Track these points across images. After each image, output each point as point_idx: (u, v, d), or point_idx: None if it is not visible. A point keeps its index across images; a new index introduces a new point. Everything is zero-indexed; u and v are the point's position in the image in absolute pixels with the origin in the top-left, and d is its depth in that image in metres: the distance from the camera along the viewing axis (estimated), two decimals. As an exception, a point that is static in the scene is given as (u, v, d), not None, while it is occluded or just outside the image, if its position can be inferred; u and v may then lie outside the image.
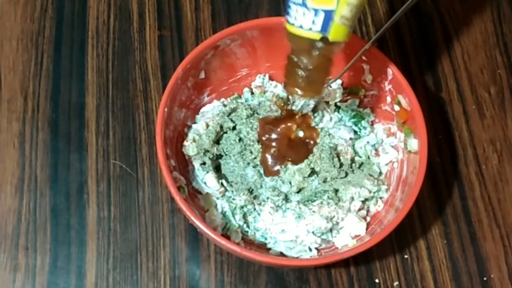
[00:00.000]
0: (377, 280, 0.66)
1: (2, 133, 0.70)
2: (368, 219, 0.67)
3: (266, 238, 0.65)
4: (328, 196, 0.66)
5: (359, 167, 0.68)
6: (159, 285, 0.65)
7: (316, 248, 0.65)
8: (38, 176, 0.69)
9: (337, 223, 0.65)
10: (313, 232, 0.64)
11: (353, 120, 0.71)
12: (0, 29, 0.75)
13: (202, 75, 0.69)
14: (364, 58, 0.69)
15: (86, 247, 0.66)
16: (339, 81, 0.72)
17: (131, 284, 0.65)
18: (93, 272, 0.65)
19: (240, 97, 0.72)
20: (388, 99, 0.69)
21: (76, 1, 0.77)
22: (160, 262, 0.66)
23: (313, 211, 0.64)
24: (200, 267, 0.66)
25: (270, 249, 0.65)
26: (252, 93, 0.72)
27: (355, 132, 0.70)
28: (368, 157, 0.69)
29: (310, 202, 0.65)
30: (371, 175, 0.67)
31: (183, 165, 0.67)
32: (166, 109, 0.64)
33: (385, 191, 0.67)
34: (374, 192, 0.66)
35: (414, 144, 0.66)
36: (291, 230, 0.64)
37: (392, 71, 0.67)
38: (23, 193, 0.68)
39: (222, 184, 0.66)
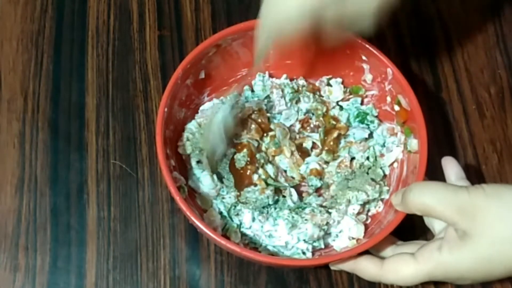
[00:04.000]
0: (377, 280, 0.66)
1: (2, 133, 0.70)
2: (368, 220, 0.67)
3: (255, 243, 0.65)
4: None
5: (367, 172, 0.68)
6: (159, 285, 0.65)
7: (312, 252, 0.64)
8: (38, 176, 0.69)
9: (333, 227, 0.64)
10: (304, 240, 0.63)
11: (357, 119, 0.70)
12: (0, 29, 0.75)
13: (202, 75, 0.69)
14: (364, 58, 0.69)
15: (86, 247, 0.66)
16: (339, 79, 0.72)
17: (131, 284, 0.65)
18: (93, 272, 0.65)
19: (240, 95, 0.72)
20: (388, 99, 0.69)
21: (76, 1, 0.77)
22: (160, 262, 0.66)
23: (306, 220, 0.64)
24: (200, 267, 0.66)
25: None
26: (253, 91, 0.72)
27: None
28: (376, 158, 0.69)
29: (300, 209, 0.65)
30: (373, 180, 0.67)
31: (183, 165, 0.67)
32: (166, 109, 0.64)
33: (387, 192, 0.67)
34: (374, 197, 0.66)
35: (414, 144, 0.66)
36: (282, 237, 0.63)
37: (392, 71, 0.67)
38: (23, 193, 0.68)
39: (215, 180, 0.66)
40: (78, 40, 0.75)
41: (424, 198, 0.57)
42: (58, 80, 0.73)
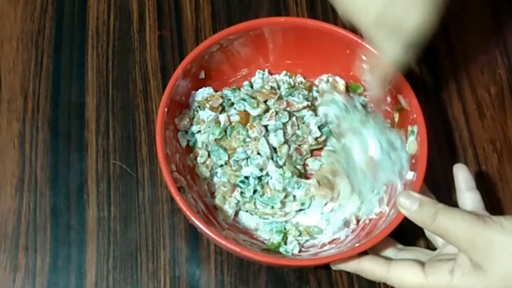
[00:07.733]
0: (377, 280, 0.66)
1: (2, 133, 0.70)
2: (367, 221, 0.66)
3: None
4: None
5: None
6: (159, 285, 0.65)
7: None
8: (38, 176, 0.69)
9: None
10: None
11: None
12: (0, 29, 0.75)
13: (202, 75, 0.69)
14: (364, 58, 0.69)
15: (86, 247, 0.66)
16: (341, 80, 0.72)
17: (131, 284, 0.65)
18: (93, 272, 0.65)
19: (239, 89, 0.72)
20: (388, 99, 0.69)
21: (76, 1, 0.77)
22: (160, 262, 0.66)
23: None
24: (200, 267, 0.66)
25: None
26: (252, 87, 0.72)
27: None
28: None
29: None
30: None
31: (182, 163, 0.67)
32: (166, 109, 0.64)
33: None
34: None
35: (414, 144, 0.66)
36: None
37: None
38: (23, 193, 0.68)
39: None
40: (78, 40, 0.75)
41: (441, 223, 0.57)
42: (58, 80, 0.73)
